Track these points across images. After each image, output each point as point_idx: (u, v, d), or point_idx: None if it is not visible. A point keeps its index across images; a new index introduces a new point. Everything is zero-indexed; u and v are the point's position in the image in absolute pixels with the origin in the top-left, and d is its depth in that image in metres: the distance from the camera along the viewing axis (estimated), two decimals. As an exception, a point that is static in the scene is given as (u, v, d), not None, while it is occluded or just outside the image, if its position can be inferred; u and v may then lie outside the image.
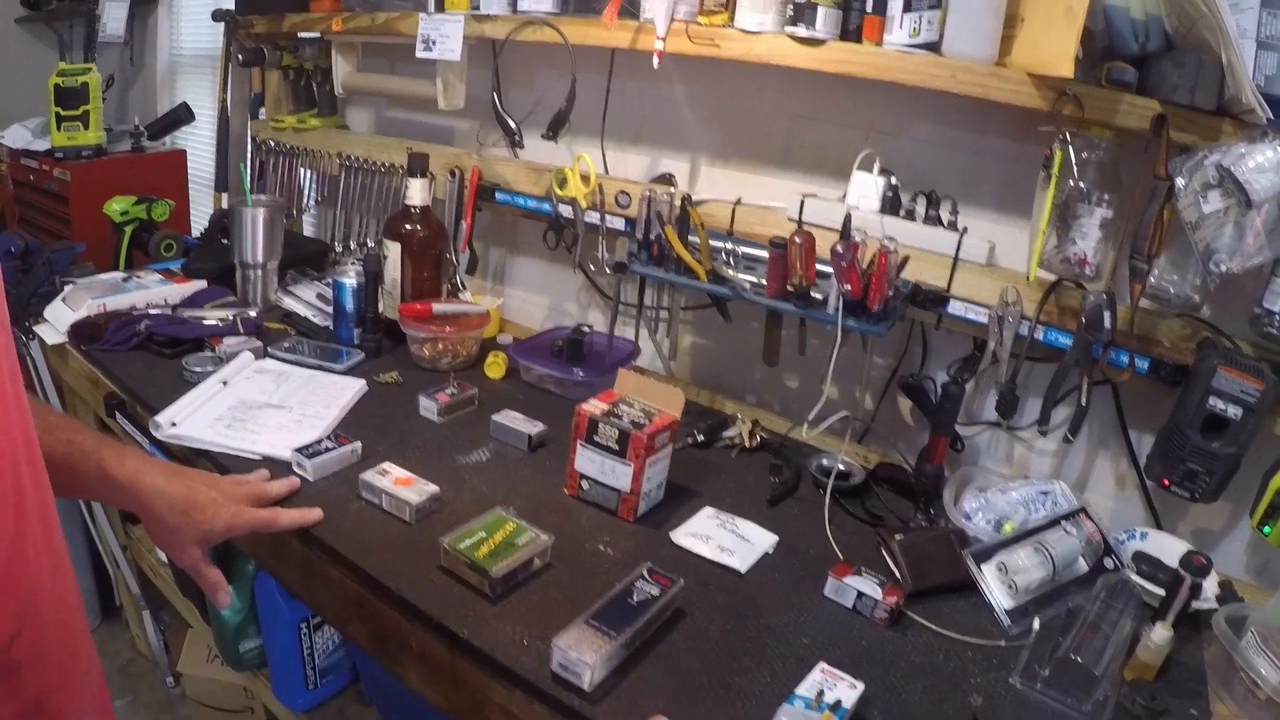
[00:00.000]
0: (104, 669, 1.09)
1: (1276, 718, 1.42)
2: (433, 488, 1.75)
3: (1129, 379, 1.87)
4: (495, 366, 2.40)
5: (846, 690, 1.34)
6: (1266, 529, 1.75)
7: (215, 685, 2.88)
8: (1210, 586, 1.76)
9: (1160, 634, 1.53)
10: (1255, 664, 1.49)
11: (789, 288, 1.94)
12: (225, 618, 2.49)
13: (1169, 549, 1.81)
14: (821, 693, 1.33)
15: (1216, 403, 1.72)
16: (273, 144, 3.20)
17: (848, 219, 1.89)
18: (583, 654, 1.32)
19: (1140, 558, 1.78)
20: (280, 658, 2.45)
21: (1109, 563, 1.78)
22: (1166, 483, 1.83)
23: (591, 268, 2.54)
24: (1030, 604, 1.68)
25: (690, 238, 2.12)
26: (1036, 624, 1.59)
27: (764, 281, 2.01)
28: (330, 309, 2.52)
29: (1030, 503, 1.94)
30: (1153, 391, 1.91)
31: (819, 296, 1.95)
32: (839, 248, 1.78)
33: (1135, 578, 1.71)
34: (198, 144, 3.80)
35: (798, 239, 1.86)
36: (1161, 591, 1.59)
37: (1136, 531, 1.92)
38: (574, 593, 1.52)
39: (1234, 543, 2.01)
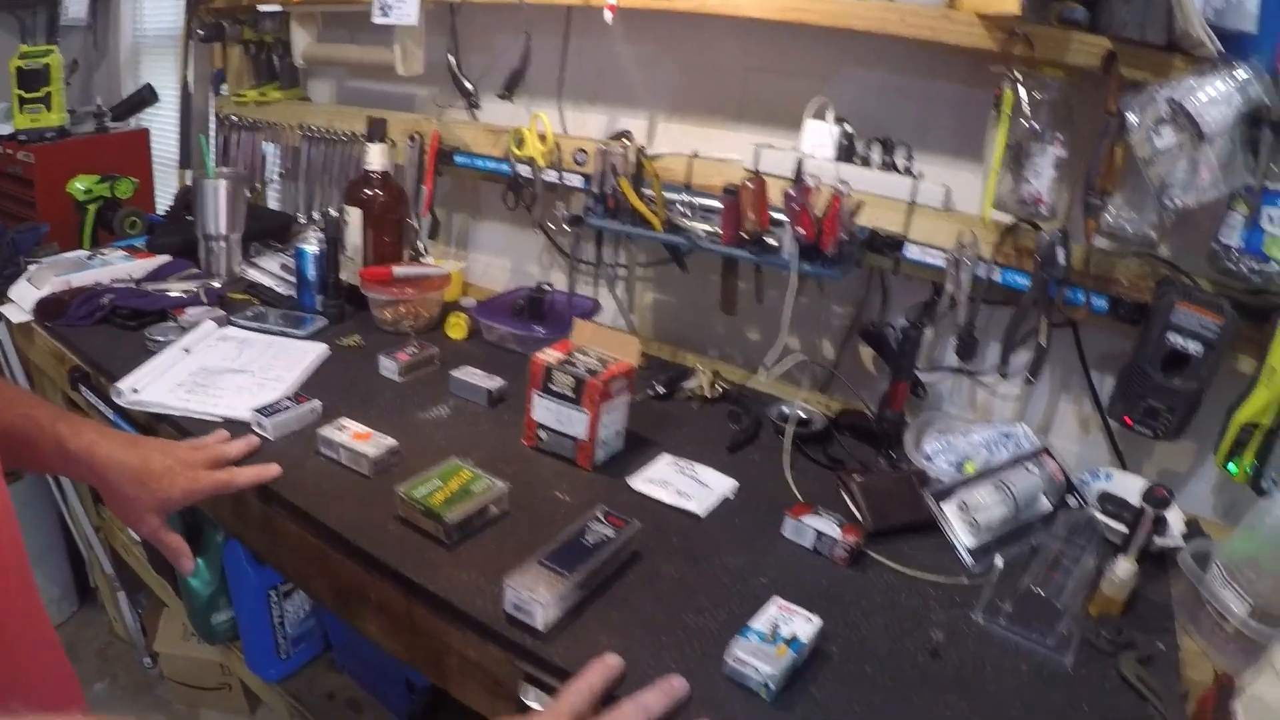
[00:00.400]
0: (82, 653, 1.07)
1: (1244, 650, 1.41)
2: (390, 441, 1.75)
3: (1085, 316, 1.87)
4: (457, 327, 2.40)
5: (803, 624, 1.34)
6: (1231, 466, 1.76)
7: (192, 663, 2.88)
8: (1177, 525, 1.77)
9: (1124, 567, 1.53)
10: (1221, 597, 1.49)
11: (743, 235, 1.94)
12: (196, 590, 2.49)
13: (1134, 489, 1.80)
14: (777, 626, 1.33)
15: (1176, 339, 1.73)
16: (235, 119, 3.18)
17: (800, 163, 1.90)
18: (535, 593, 1.32)
19: (1106, 498, 1.78)
20: (251, 627, 2.45)
21: (1072, 501, 1.79)
22: (1129, 421, 1.84)
23: (551, 227, 2.53)
24: (993, 543, 1.68)
25: (645, 190, 2.12)
26: (999, 562, 1.59)
27: (719, 230, 2.01)
28: (294, 279, 2.51)
29: (992, 444, 1.94)
30: (1114, 332, 1.92)
31: (774, 243, 1.95)
32: (791, 191, 1.78)
33: (1100, 516, 1.71)
34: (162, 123, 3.78)
35: (749, 184, 1.86)
36: (1126, 530, 1.59)
37: (1101, 472, 1.93)
38: (530, 538, 1.51)
39: (1201, 484, 2.02)
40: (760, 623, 1.34)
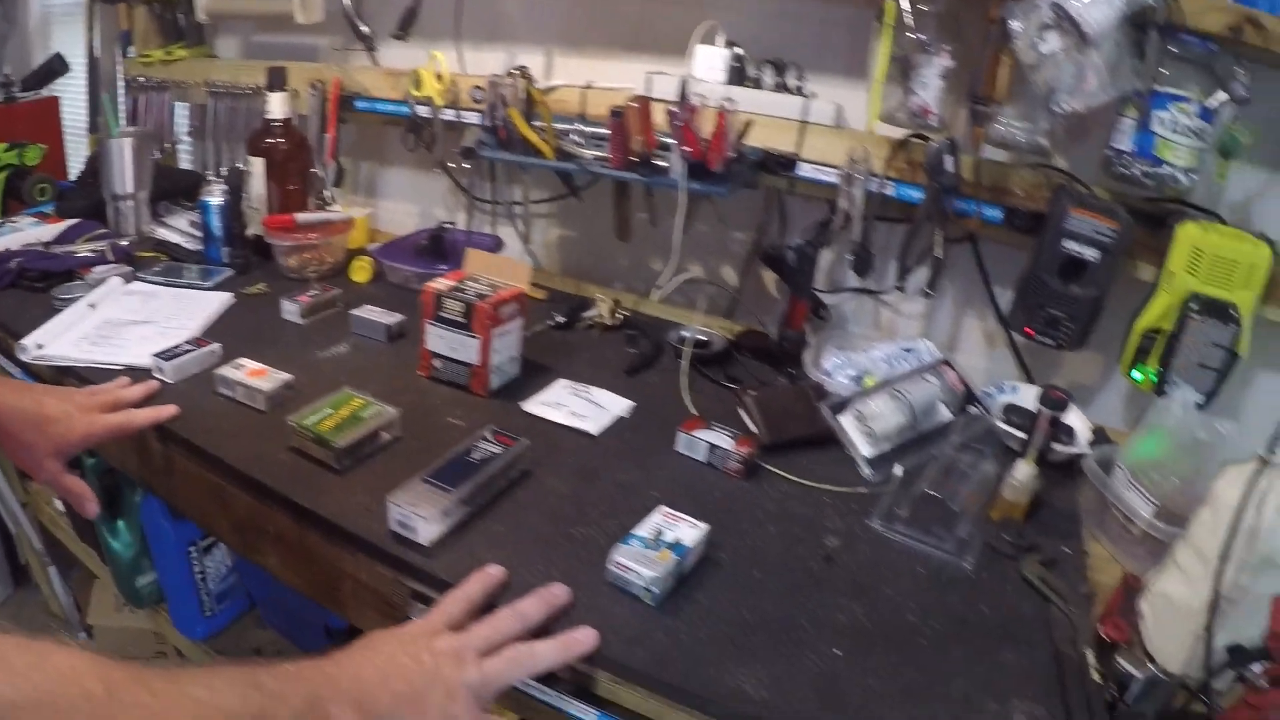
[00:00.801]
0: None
1: (1152, 552, 1.42)
2: (286, 376, 1.74)
3: (978, 226, 1.88)
4: (361, 270, 2.39)
5: (688, 530, 1.34)
6: (1136, 373, 1.78)
7: (126, 633, 2.86)
8: (1084, 434, 1.78)
9: (1023, 470, 1.54)
10: (1126, 499, 1.51)
11: (632, 158, 1.93)
12: (118, 552, 2.47)
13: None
14: (660, 532, 1.33)
15: (1072, 245, 1.75)
16: (143, 80, 3.14)
17: (684, 82, 1.89)
18: (418, 509, 1.32)
19: (1010, 409, 1.79)
20: (174, 587, 2.43)
21: (975, 411, 1.80)
22: (1030, 332, 1.85)
23: (452, 166, 2.52)
24: (892, 453, 1.70)
25: (536, 122, 2.10)
26: (898, 470, 1.60)
27: (608, 155, 2.00)
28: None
29: (893, 359, 1.96)
30: (1012, 245, 1.93)
31: (662, 164, 1.94)
32: (674, 109, 1.77)
33: (1003, 426, 1.72)
34: (74, 92, 3.73)
35: (634, 104, 1.86)
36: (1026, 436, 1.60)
37: (1007, 385, 1.94)
38: (421, 461, 1.49)
39: (1110, 395, 2.05)
40: (643, 529, 1.34)
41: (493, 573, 1.26)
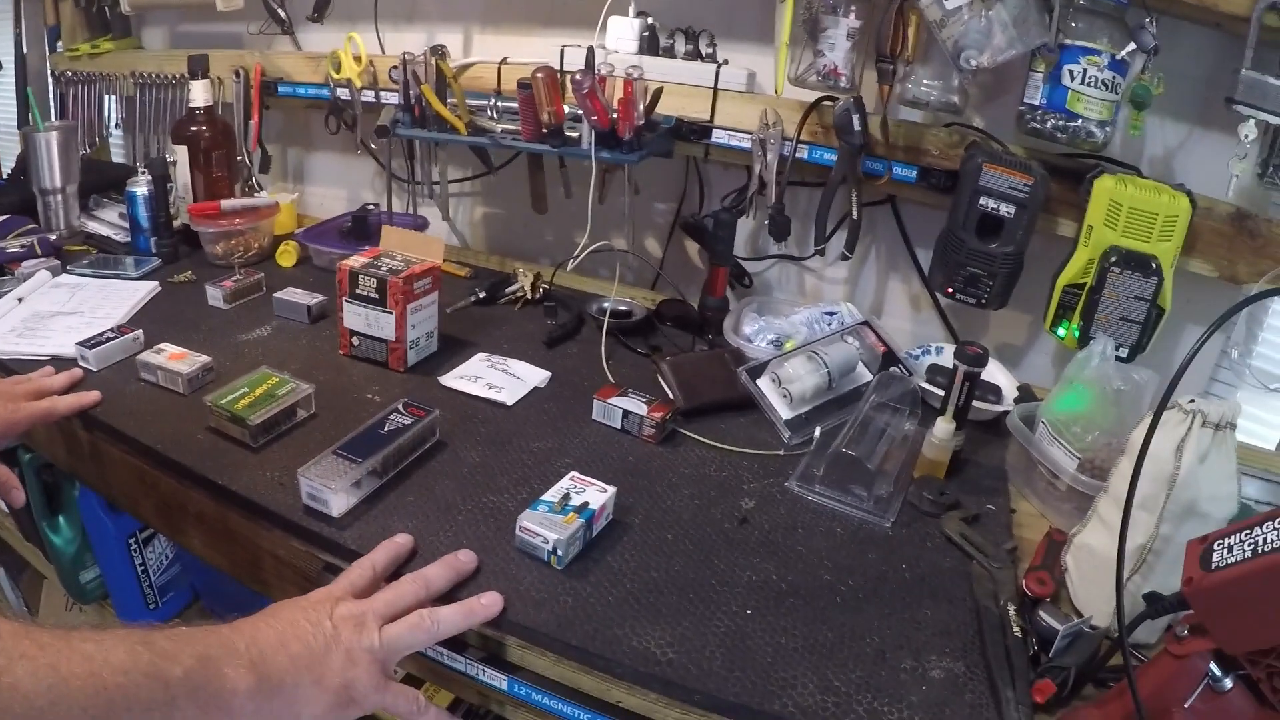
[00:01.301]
0: None
1: (1079, 507, 1.43)
2: (205, 359, 1.75)
3: (887, 183, 1.89)
4: (286, 255, 2.38)
5: (596, 494, 1.35)
6: (1060, 331, 1.79)
7: (75, 632, 2.85)
8: (1009, 392, 1.80)
9: (942, 427, 1.55)
10: (1050, 454, 1.52)
11: (543, 130, 1.94)
12: (60, 548, 2.46)
13: (966, 363, 1.82)
14: (568, 497, 1.34)
15: (987, 202, 1.75)
16: (71, 74, 3.11)
17: (590, 52, 1.90)
18: (328, 481, 1.33)
19: (934, 370, 1.80)
20: (117, 579, 2.42)
21: (895, 371, 1.80)
22: (950, 290, 1.86)
23: (374, 146, 2.52)
24: (812, 414, 1.71)
25: (450, 100, 2.11)
26: (817, 433, 1.61)
27: (520, 128, 2.00)
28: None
29: (814, 323, 1.97)
30: (933, 207, 1.94)
31: (574, 135, 1.95)
32: (579, 78, 1.77)
33: (926, 385, 1.74)
34: (4, 89, 3.71)
35: (540, 75, 1.86)
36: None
37: (932, 347, 1.96)
38: (336, 436, 1.50)
39: (1039, 355, 2.07)
40: (551, 494, 1.35)
41: (400, 541, 1.27)
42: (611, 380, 1.81)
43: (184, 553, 2.35)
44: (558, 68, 2.05)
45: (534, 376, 1.81)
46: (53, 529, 2.42)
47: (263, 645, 1.03)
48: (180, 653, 0.95)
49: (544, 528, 1.27)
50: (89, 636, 0.90)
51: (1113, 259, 1.69)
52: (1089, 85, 1.69)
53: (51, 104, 3.18)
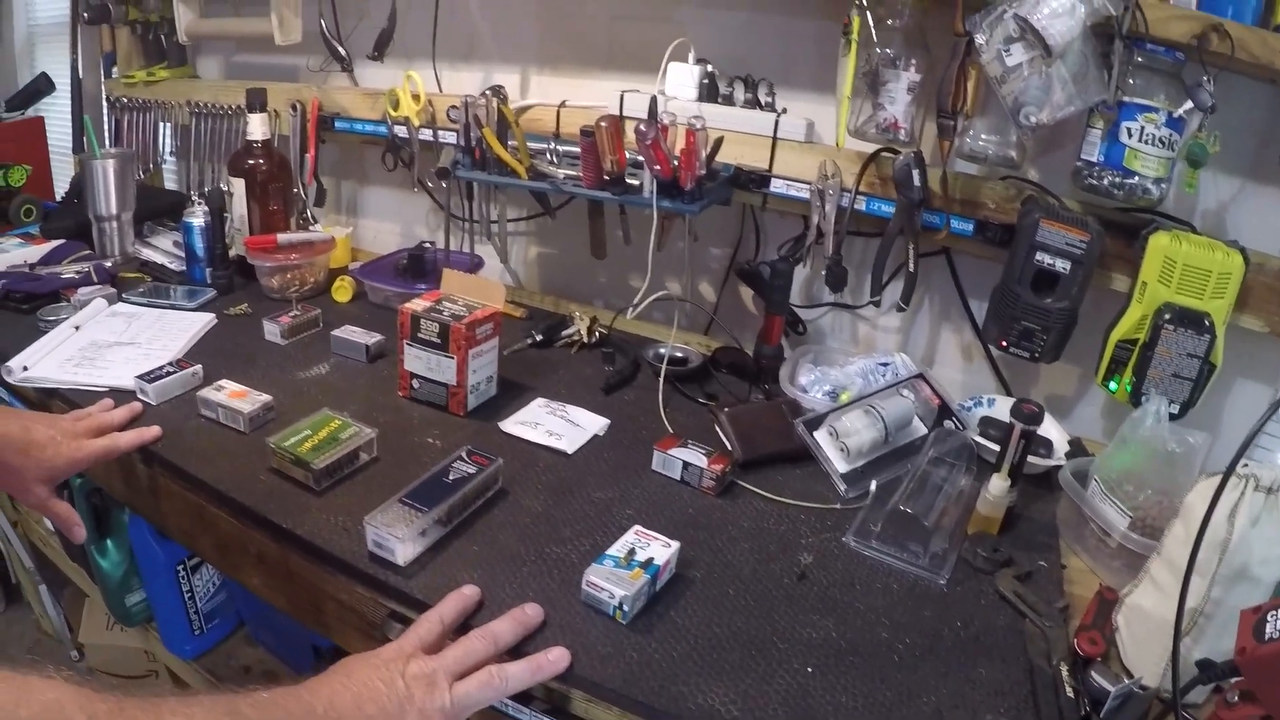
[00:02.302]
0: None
1: (1128, 564, 1.43)
2: (266, 397, 1.76)
3: (946, 237, 1.89)
4: (342, 290, 2.41)
5: (660, 549, 1.36)
6: (1111, 384, 1.79)
7: (117, 652, 2.87)
8: (1060, 445, 1.79)
9: (997, 484, 1.55)
10: (1102, 512, 1.51)
11: (604, 176, 1.95)
12: (107, 571, 2.48)
13: (1017, 414, 1.82)
14: (633, 551, 1.34)
15: (1044, 258, 1.75)
16: (126, 101, 3.15)
17: (653, 101, 1.91)
18: (394, 530, 1.34)
19: (987, 422, 1.80)
20: (163, 605, 2.43)
21: (949, 424, 1.80)
22: (1004, 344, 1.86)
23: (430, 185, 2.55)
24: (867, 468, 1.71)
25: (511, 142, 2.12)
26: (873, 486, 1.62)
27: (581, 174, 2.02)
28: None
29: (869, 374, 1.96)
30: (987, 258, 1.94)
31: (634, 182, 1.97)
32: (643, 128, 1.79)
33: (979, 439, 1.73)
34: (59, 111, 3.74)
35: (604, 124, 1.87)
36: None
37: (984, 398, 1.95)
38: (398, 481, 1.52)
39: (1088, 407, 2.05)
40: (616, 548, 1.35)
41: (467, 593, 1.27)
42: (670, 429, 1.82)
43: (231, 581, 2.37)
44: (617, 113, 2.07)
45: (593, 424, 1.82)
46: (100, 552, 2.44)
47: (340, 709, 1.05)
48: None
49: (610, 583, 1.27)
50: (179, 710, 0.91)
51: (1166, 316, 1.69)
52: (1146, 143, 1.69)
53: (106, 129, 3.20)
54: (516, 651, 1.21)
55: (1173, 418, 1.66)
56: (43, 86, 3.60)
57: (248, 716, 0.95)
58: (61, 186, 3.43)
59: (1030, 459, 1.61)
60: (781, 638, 1.29)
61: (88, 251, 2.60)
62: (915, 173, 1.81)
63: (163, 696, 0.92)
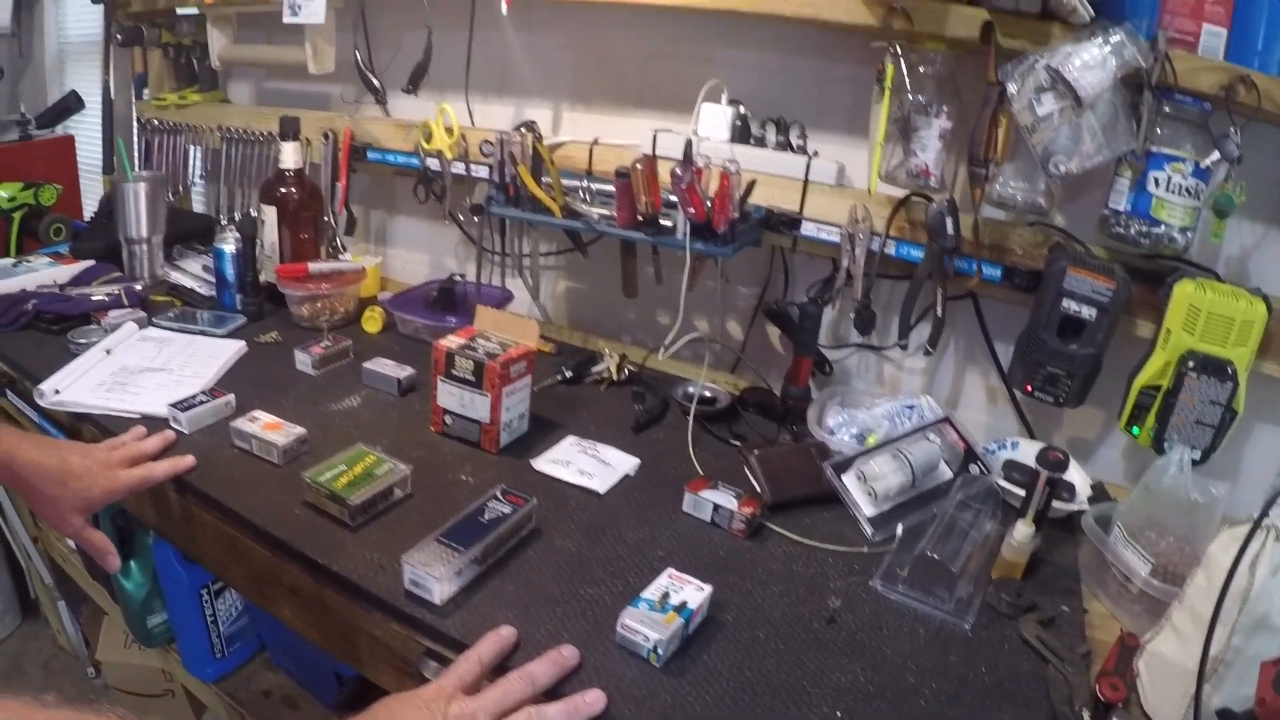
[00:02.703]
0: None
1: (1149, 610, 1.44)
2: (300, 430, 1.78)
3: (978, 285, 1.91)
4: (372, 321, 2.43)
5: (693, 592, 1.37)
6: (1135, 430, 1.80)
7: (134, 670, 2.88)
8: (1084, 489, 1.80)
9: (1021, 531, 1.56)
10: (1124, 558, 1.52)
11: (638, 217, 1.97)
12: (130, 593, 2.49)
13: (1040, 457, 1.83)
14: (667, 595, 1.36)
15: (1070, 304, 1.77)
16: (157, 123, 3.17)
17: (688, 144, 1.93)
18: (431, 569, 1.36)
19: (1011, 465, 1.80)
20: (185, 628, 2.45)
21: (975, 469, 1.82)
22: (1029, 389, 1.87)
23: (461, 218, 2.57)
24: (894, 511, 1.72)
25: (544, 179, 2.14)
26: (900, 530, 1.63)
27: (615, 213, 2.04)
28: (214, 280, 2.53)
29: (895, 416, 1.98)
30: (1013, 302, 1.96)
31: (668, 224, 1.98)
32: (678, 171, 1.81)
33: (1003, 483, 1.74)
34: (88, 131, 3.76)
35: (639, 166, 1.89)
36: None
37: (1008, 441, 1.96)
38: (433, 519, 1.54)
39: (1110, 450, 2.06)
40: (650, 591, 1.37)
41: (505, 634, 1.29)
42: (699, 470, 1.83)
43: (253, 606, 2.38)
44: (650, 151, 2.09)
45: (624, 463, 1.83)
46: (124, 573, 2.46)
47: None
48: None
49: (645, 626, 1.29)
50: None
51: (1190, 364, 1.70)
52: (1173, 192, 1.71)
53: (135, 150, 3.23)
54: (553, 693, 1.23)
55: (1194, 464, 1.67)
56: (72, 104, 3.63)
57: None
58: (90, 205, 3.46)
59: (1054, 503, 1.62)
60: (811, 682, 1.30)
61: (118, 274, 2.63)
62: (948, 220, 1.83)
63: None
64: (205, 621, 2.38)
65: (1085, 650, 1.41)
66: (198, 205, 3.40)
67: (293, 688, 2.49)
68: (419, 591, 1.38)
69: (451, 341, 1.81)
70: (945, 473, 1.81)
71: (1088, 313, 1.76)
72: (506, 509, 1.52)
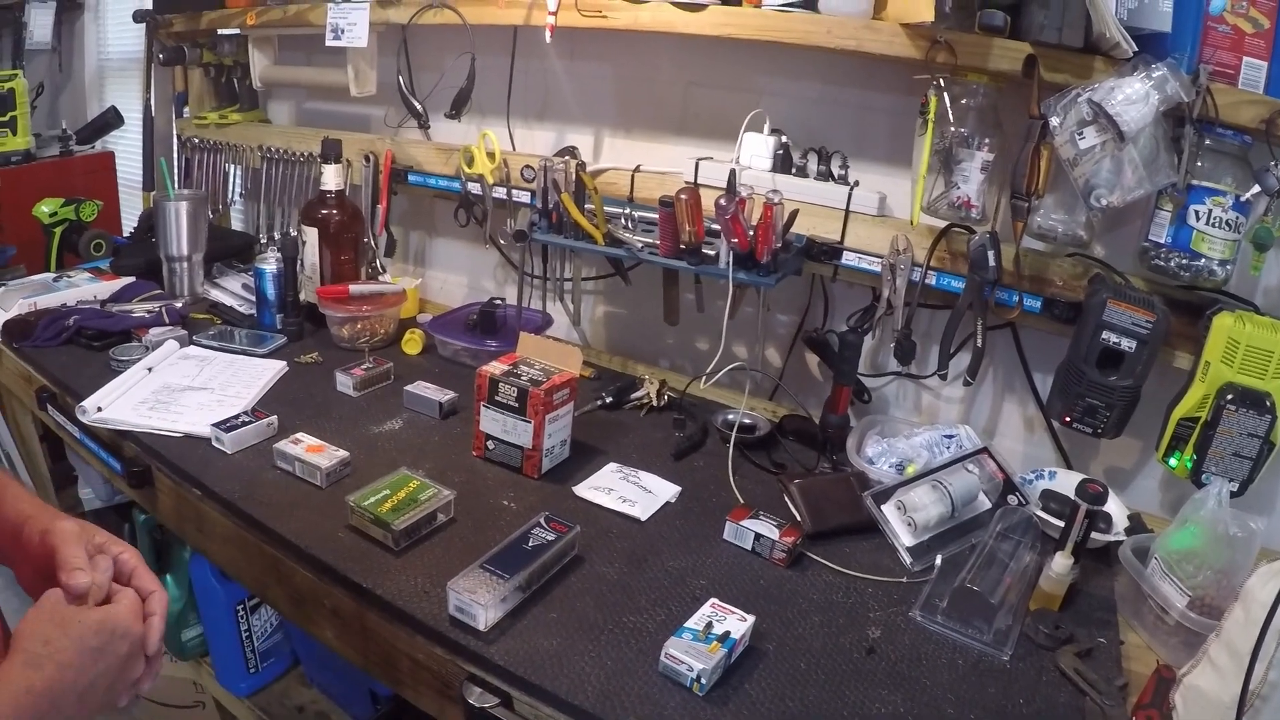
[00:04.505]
0: None
1: (1186, 642, 1.45)
2: (343, 453, 1.80)
3: (1018, 316, 1.91)
4: (412, 343, 2.45)
5: (736, 623, 1.38)
6: (1172, 461, 1.79)
7: (164, 681, 2.88)
8: (1120, 520, 1.80)
9: (1060, 563, 1.57)
10: (1161, 590, 1.53)
11: (681, 246, 1.98)
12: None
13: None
14: (710, 625, 1.37)
15: (1109, 336, 1.76)
16: (197, 141, 3.21)
17: (732, 174, 1.94)
18: (476, 596, 1.37)
19: (1048, 495, 1.80)
20: (220, 642, 2.46)
21: (1013, 500, 1.82)
22: (1068, 420, 1.87)
23: (503, 242, 2.59)
24: (933, 541, 1.72)
25: (587, 205, 2.16)
26: (939, 560, 1.63)
27: (658, 242, 2.06)
28: (254, 299, 2.55)
29: (934, 446, 1.98)
30: (1052, 332, 1.95)
31: (711, 253, 1.99)
32: (722, 201, 1.82)
33: (1040, 513, 1.75)
34: (127, 146, 3.79)
35: (683, 196, 1.90)
36: (1063, 526, 1.62)
37: (1045, 471, 1.96)
38: (476, 544, 1.56)
39: (1147, 480, 2.05)
40: (694, 621, 1.38)
41: None
42: (740, 498, 1.84)
43: (288, 622, 2.40)
44: (691, 179, 2.11)
45: (665, 491, 1.84)
46: (160, 587, 2.46)
47: None
48: None
49: (690, 656, 1.30)
50: None
51: (1229, 396, 1.69)
52: (1213, 226, 1.71)
53: (175, 167, 3.25)
54: None
55: (1232, 495, 1.67)
56: (112, 119, 3.67)
57: None
58: (129, 221, 3.49)
59: (1091, 534, 1.62)
60: (852, 713, 1.31)
61: (158, 291, 2.65)
62: (990, 254, 1.83)
63: None
64: (240, 636, 2.39)
65: (1122, 683, 1.42)
66: (236, 223, 3.42)
67: (326, 704, 2.50)
68: (464, 618, 1.39)
69: (495, 368, 1.83)
70: (984, 503, 1.81)
71: (1127, 345, 1.76)
72: (550, 536, 1.54)
